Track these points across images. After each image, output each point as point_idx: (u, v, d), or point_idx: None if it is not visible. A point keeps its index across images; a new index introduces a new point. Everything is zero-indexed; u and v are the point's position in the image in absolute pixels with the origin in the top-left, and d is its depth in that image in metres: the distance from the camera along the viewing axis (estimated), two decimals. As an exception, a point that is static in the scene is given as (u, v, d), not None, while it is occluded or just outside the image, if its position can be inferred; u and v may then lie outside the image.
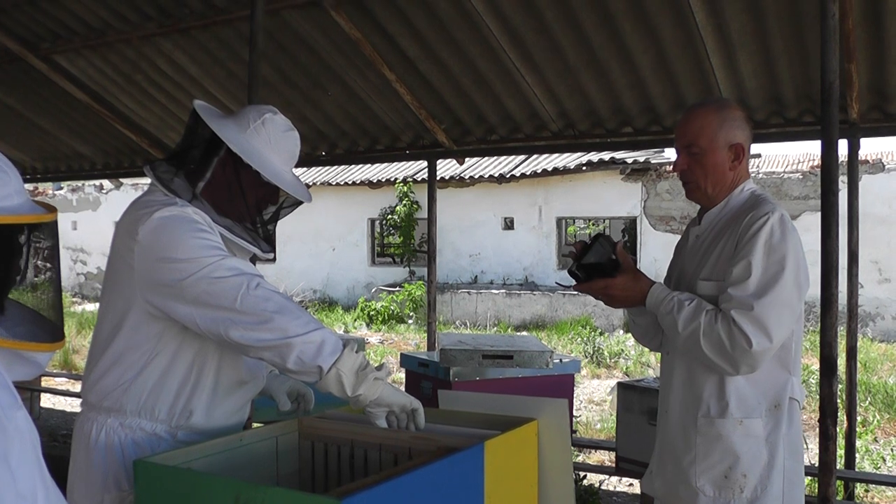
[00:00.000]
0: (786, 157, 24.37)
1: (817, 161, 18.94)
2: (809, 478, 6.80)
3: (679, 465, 3.12)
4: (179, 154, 2.80)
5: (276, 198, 2.87)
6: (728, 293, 2.95)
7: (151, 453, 2.55)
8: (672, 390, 3.20)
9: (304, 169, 22.51)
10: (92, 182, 26.05)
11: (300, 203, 2.94)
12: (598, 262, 3.15)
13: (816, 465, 4.45)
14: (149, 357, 2.64)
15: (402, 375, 10.49)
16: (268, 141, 2.79)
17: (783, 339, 2.96)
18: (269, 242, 2.90)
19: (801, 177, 17.98)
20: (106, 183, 25.98)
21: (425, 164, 8.31)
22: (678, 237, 3.50)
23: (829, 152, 4.15)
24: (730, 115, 3.14)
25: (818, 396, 4.23)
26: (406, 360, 6.40)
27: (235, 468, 2.55)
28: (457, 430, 2.67)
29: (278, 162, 2.81)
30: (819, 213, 4.10)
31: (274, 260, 2.83)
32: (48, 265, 1.90)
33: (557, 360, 5.95)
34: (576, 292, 3.37)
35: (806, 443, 8.06)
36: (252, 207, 2.80)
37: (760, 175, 18.44)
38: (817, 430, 4.37)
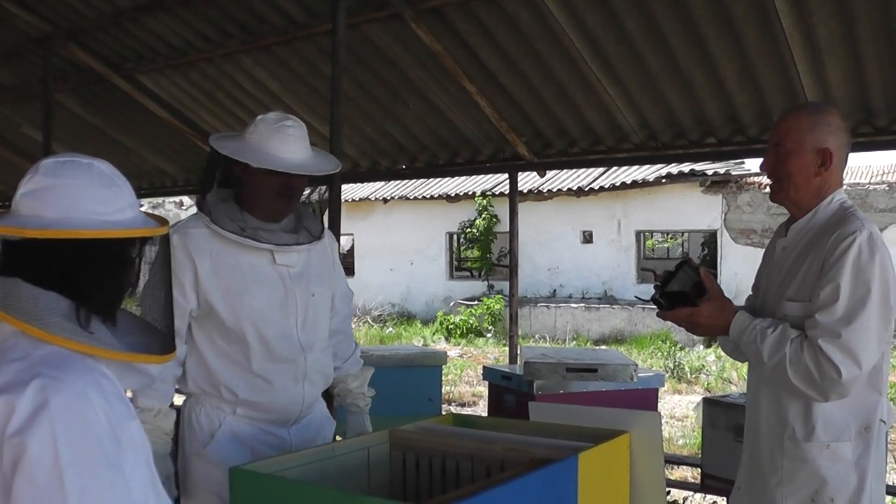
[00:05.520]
0: (869, 168, 23.83)
1: (904, 171, 18.50)
2: (890, 497, 6.63)
3: (766, 485, 3.05)
4: (209, 177, 3.30)
5: (296, 181, 3.21)
6: (815, 319, 2.86)
7: (217, 423, 3.18)
8: (760, 408, 3.13)
9: (383, 183, 22.69)
10: (172, 199, 26.53)
11: (329, 176, 3.44)
12: (682, 290, 3.10)
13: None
14: (184, 351, 3.20)
15: (483, 388, 10.48)
16: (262, 137, 3.15)
17: (873, 363, 2.87)
18: (299, 230, 3.29)
19: (886, 188, 17.58)
20: (186, 199, 26.42)
21: (503, 177, 8.32)
22: (760, 251, 3.43)
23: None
24: (824, 119, 3.06)
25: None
26: (489, 373, 6.38)
27: (327, 478, 2.56)
28: (549, 441, 2.64)
29: (280, 150, 3.13)
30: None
31: (311, 238, 3.22)
32: (159, 277, 1.94)
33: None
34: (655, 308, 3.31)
35: (896, 461, 7.85)
36: (271, 199, 3.19)
37: (845, 187, 18.03)
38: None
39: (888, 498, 6.33)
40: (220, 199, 3.23)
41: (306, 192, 3.40)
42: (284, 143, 3.14)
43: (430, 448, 2.72)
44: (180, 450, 3.27)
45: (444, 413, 3.39)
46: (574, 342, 17.88)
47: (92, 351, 1.73)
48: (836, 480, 2.91)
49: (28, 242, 1.75)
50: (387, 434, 2.81)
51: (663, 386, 6.89)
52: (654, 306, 3.17)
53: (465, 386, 12.95)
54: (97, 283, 1.80)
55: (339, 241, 5.65)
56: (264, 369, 3.18)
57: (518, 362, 7.05)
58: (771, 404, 3.08)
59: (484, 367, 6.76)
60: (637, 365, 5.82)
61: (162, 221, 1.95)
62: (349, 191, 23.00)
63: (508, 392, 5.92)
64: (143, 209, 1.94)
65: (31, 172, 1.84)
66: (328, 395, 3.71)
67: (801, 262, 3.03)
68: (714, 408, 5.84)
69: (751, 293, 3.43)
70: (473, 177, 21.37)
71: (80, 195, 1.80)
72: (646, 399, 5.89)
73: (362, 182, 20.69)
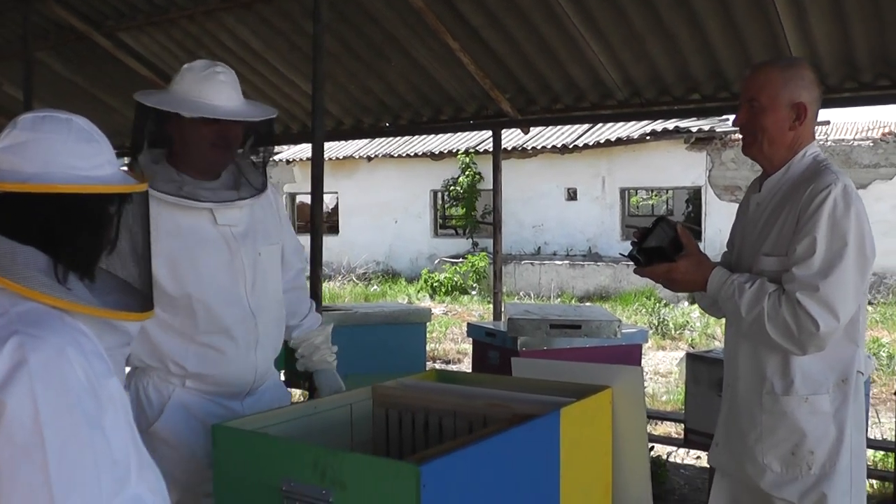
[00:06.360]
0: (855, 125, 23.75)
1: (889, 128, 18.50)
2: (882, 453, 6.70)
3: (745, 440, 3.07)
4: (137, 136, 3.06)
5: (231, 130, 2.99)
6: (792, 272, 2.87)
7: (167, 396, 2.96)
8: (738, 364, 3.14)
9: (367, 140, 22.59)
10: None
11: (268, 127, 3.16)
12: (659, 246, 3.09)
13: (892, 439, 4.34)
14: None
15: (467, 346, 10.50)
16: (190, 85, 2.94)
17: (850, 315, 2.88)
18: (239, 185, 3.08)
19: (871, 144, 17.58)
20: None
21: (488, 134, 8.27)
22: (744, 208, 3.41)
23: (907, 115, 4.02)
24: (797, 73, 3.04)
25: (891, 369, 4.12)
26: (473, 330, 6.39)
27: (310, 435, 2.56)
28: (531, 397, 2.65)
29: (212, 98, 2.92)
30: (891, 182, 3.96)
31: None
32: (138, 235, 1.93)
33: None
34: None
35: (878, 417, 7.92)
36: (205, 152, 2.98)
37: (829, 143, 18.07)
38: (888, 403, 4.26)
39: (869, 451, 6.39)
40: (152, 161, 3.02)
41: (250, 151, 3.18)
42: (216, 90, 2.94)
43: (412, 404, 2.73)
44: None
45: (435, 369, 3.37)
46: (559, 299, 17.93)
47: (70, 307, 1.73)
48: (816, 433, 2.93)
49: (6, 196, 1.73)
50: (370, 390, 2.81)
51: (647, 342, 6.94)
52: (633, 263, 3.18)
53: (450, 343, 12.99)
54: (75, 238, 1.79)
55: (323, 199, 5.63)
56: (213, 339, 2.97)
57: (502, 319, 7.07)
58: (749, 359, 3.09)
59: (468, 323, 6.77)
60: (621, 321, 5.84)
61: (141, 178, 1.94)
62: (333, 149, 22.89)
63: (492, 349, 5.94)
64: (124, 168, 1.94)
65: (9, 127, 1.83)
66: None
67: (775, 217, 3.03)
68: (697, 363, 5.86)
69: (726, 249, 3.43)
70: (458, 134, 21.31)
71: (59, 150, 1.79)
72: (629, 355, 5.91)
73: (345, 140, 20.57)
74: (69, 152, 1.79)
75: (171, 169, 3.00)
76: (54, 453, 1.57)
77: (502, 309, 7.69)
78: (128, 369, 3.07)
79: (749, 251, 3.14)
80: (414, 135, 20.25)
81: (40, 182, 1.74)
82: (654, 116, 8.92)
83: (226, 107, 2.95)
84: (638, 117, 8.32)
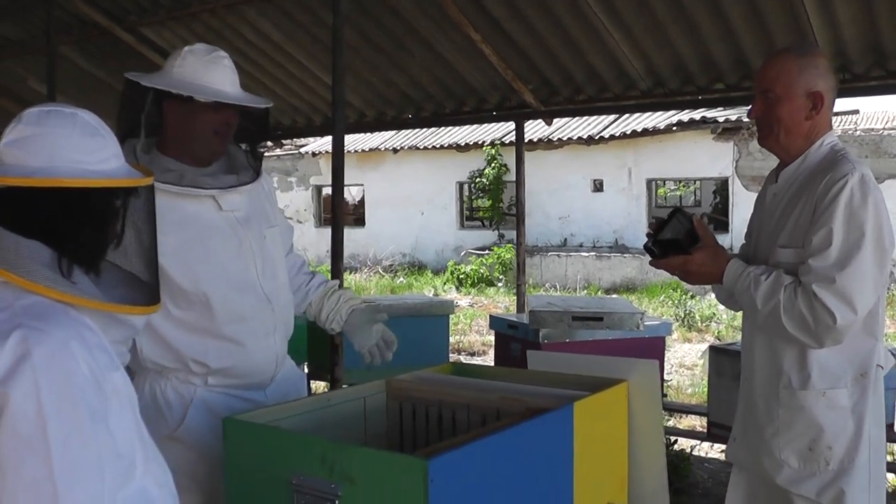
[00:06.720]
0: (885, 114, 23.44)
1: (919, 116, 18.27)
2: None
3: (762, 435, 3.03)
4: (127, 124, 2.89)
5: (233, 117, 2.92)
6: (808, 264, 2.82)
7: (188, 398, 2.84)
8: (754, 357, 3.10)
9: (393, 132, 22.58)
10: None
11: (265, 120, 3.06)
12: (675, 238, 3.06)
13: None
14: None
15: (491, 337, 10.49)
16: (195, 69, 2.83)
17: (868, 308, 2.83)
18: (237, 170, 2.99)
19: (901, 133, 17.37)
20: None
21: (513, 126, 8.23)
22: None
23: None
24: (811, 62, 2.99)
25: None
26: (495, 322, 6.38)
27: (323, 428, 2.55)
28: (546, 390, 2.62)
29: (218, 83, 2.84)
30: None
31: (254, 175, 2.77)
32: (144, 229, 1.93)
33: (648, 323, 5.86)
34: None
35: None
36: (207, 139, 2.87)
37: (858, 132, 17.86)
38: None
39: (892, 445, 6.30)
40: (141, 150, 2.86)
41: (249, 138, 3.08)
42: (223, 75, 2.86)
43: (426, 397, 2.70)
44: None
45: (451, 361, 3.35)
46: (585, 291, 17.87)
47: (73, 300, 1.73)
48: (834, 428, 2.89)
49: (11, 190, 1.74)
50: (383, 384, 2.80)
51: (670, 334, 6.89)
52: (648, 255, 3.15)
53: (475, 335, 12.98)
54: (79, 232, 1.79)
55: (343, 190, 5.63)
56: (232, 330, 2.86)
57: (525, 311, 7.05)
58: (765, 353, 3.05)
59: (491, 316, 6.77)
60: (644, 313, 5.80)
61: (147, 172, 1.94)
62: (359, 141, 22.92)
63: (515, 341, 5.93)
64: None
65: (14, 122, 1.84)
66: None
67: (792, 208, 2.99)
68: (720, 356, 5.82)
69: (744, 241, 3.39)
70: (484, 126, 21.25)
71: (64, 144, 1.79)
72: (652, 347, 5.88)
73: (369, 132, 20.55)
74: (74, 146, 1.80)
75: (165, 157, 2.88)
76: (58, 446, 1.58)
77: (525, 301, 7.67)
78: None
79: (766, 243, 3.10)
80: (437, 126, 20.21)
81: (45, 176, 1.74)
82: (677, 107, 8.86)
83: (234, 93, 2.88)
84: (662, 107, 8.26)
